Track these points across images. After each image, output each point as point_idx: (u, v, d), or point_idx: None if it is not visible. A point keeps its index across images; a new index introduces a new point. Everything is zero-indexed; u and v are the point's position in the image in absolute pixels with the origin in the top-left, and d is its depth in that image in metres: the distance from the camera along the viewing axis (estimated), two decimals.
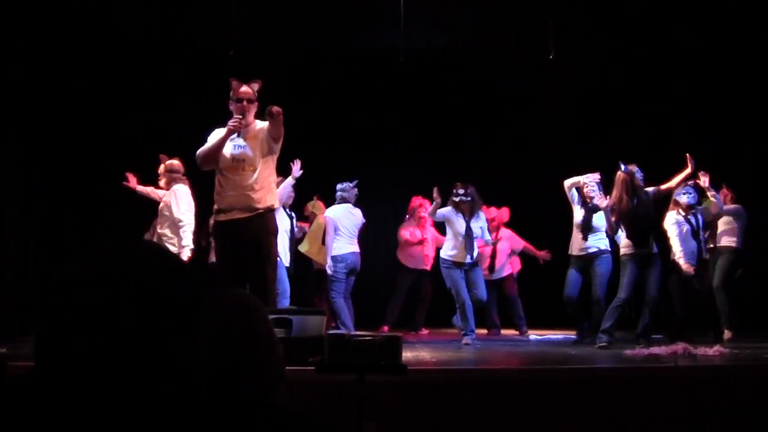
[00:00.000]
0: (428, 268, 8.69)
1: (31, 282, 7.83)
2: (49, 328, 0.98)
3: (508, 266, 8.95)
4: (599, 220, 7.42)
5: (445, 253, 7.44)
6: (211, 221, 7.14)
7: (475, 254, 7.39)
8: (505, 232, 8.96)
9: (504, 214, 8.92)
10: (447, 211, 7.43)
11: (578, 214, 7.45)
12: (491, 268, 8.75)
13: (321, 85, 9.60)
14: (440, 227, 8.26)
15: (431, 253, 8.66)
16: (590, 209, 7.54)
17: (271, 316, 4.14)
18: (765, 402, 4.61)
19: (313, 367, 3.90)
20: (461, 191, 7.39)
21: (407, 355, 5.23)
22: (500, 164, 9.90)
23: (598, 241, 7.43)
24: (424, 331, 8.73)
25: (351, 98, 9.80)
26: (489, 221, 8.55)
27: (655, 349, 5.98)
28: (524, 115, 9.76)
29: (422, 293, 8.85)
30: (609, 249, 7.43)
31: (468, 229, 7.35)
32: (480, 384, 4.61)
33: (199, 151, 5.33)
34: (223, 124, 5.38)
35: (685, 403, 4.55)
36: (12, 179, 7.74)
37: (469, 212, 7.41)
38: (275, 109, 5.06)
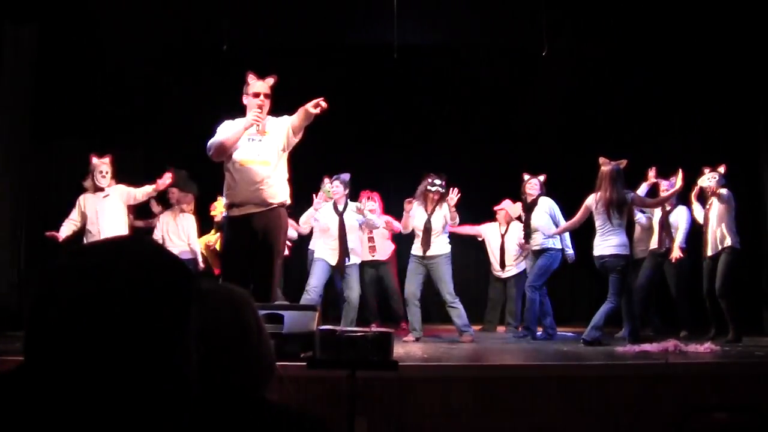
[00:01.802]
0: (376, 258, 8.57)
1: (22, 276, 7.80)
2: (38, 323, 0.97)
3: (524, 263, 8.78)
4: (538, 218, 7.47)
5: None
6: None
7: (430, 249, 7.29)
8: (516, 225, 8.82)
9: (517, 209, 8.80)
10: (413, 209, 7.38)
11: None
12: (502, 264, 8.65)
13: (313, 80, 9.54)
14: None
15: (377, 244, 8.55)
16: (528, 207, 7.60)
17: (263, 312, 4.13)
18: (755, 398, 4.63)
19: (304, 363, 3.89)
20: (438, 181, 7.34)
21: (398, 351, 5.23)
22: (492, 160, 9.90)
23: (539, 239, 7.56)
24: (403, 325, 8.68)
25: (344, 94, 9.76)
26: (497, 212, 8.59)
27: (646, 346, 5.99)
28: (517, 111, 9.76)
29: (386, 286, 8.76)
30: (548, 246, 7.51)
31: (427, 221, 7.31)
32: (471, 380, 4.61)
33: (212, 142, 5.26)
34: (230, 117, 5.36)
35: (676, 399, 4.57)
36: (3, 173, 7.71)
37: (433, 204, 7.35)
38: (324, 104, 5.13)
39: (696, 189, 7.56)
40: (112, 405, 0.95)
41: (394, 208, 9.10)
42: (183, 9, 8.14)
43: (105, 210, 7.16)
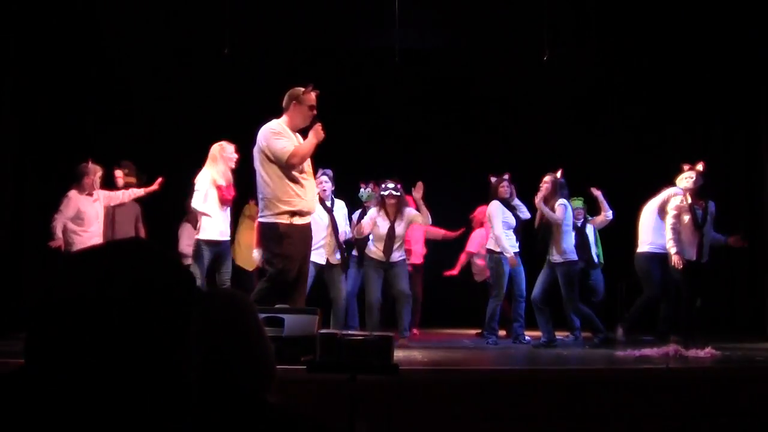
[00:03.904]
0: (411, 262, 8.48)
1: (23, 278, 7.80)
2: (39, 325, 0.98)
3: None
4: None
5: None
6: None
7: (392, 256, 7.12)
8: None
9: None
10: (372, 213, 7.15)
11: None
12: None
13: (315, 84, 9.56)
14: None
15: (414, 249, 8.39)
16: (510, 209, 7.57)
17: (263, 315, 4.13)
18: (755, 404, 4.62)
19: (304, 366, 3.89)
20: (390, 184, 7.11)
21: (399, 354, 5.22)
22: (493, 165, 9.89)
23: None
24: (414, 332, 8.64)
25: (345, 98, 9.77)
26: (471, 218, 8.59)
27: (647, 351, 5.98)
28: (518, 116, 9.76)
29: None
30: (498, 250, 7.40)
31: (390, 229, 7.08)
32: (471, 384, 4.61)
33: (297, 150, 5.31)
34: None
35: (677, 404, 4.56)
36: (5, 177, 7.71)
37: (393, 210, 7.12)
38: None
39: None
40: (112, 407, 0.95)
41: None
42: (184, 12, 8.15)
43: (94, 213, 7.27)
